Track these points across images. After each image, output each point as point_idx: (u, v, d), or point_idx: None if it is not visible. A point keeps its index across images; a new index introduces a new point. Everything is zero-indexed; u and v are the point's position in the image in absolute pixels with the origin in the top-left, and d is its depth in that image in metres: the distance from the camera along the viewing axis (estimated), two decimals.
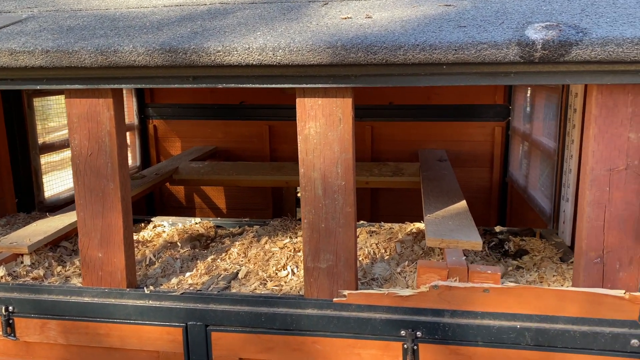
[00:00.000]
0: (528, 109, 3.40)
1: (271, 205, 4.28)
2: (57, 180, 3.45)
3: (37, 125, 3.16)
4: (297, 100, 1.68)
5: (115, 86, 1.74)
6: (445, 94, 3.97)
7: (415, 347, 1.73)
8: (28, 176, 3.11)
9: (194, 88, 1.70)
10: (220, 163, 3.76)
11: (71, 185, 3.52)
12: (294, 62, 1.52)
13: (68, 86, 1.76)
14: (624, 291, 1.62)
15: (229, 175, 3.44)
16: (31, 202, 3.11)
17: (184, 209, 4.42)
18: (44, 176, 3.20)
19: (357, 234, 2.45)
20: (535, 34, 1.42)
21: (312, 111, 1.68)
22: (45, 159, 3.30)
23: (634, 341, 1.62)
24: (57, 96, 3.40)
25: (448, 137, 4.02)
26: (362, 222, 2.75)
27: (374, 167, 3.48)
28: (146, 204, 4.31)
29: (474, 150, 4.00)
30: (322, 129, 1.69)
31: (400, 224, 2.63)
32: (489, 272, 1.70)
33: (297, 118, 1.70)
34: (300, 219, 2.83)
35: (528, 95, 3.53)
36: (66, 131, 3.55)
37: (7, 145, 2.99)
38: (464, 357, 1.72)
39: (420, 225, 2.57)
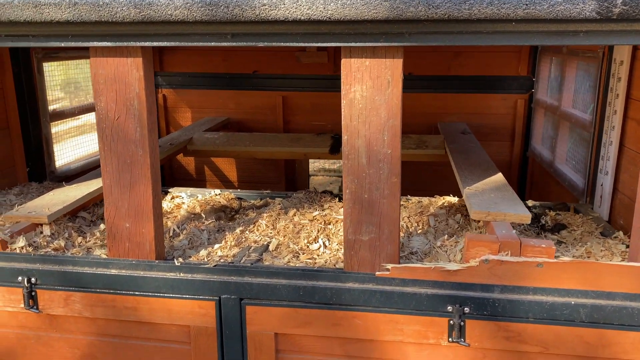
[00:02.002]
0: (556, 80, 3.28)
1: (284, 178, 4.18)
2: (67, 150, 3.33)
3: (47, 92, 3.02)
4: (343, 61, 1.57)
5: (147, 44, 1.61)
6: (467, 65, 3.84)
7: (462, 324, 1.66)
8: (39, 144, 2.99)
9: (232, 47, 1.57)
10: (236, 134, 3.64)
11: (82, 154, 3.42)
12: (346, 16, 1.40)
13: (95, 43, 1.63)
14: None
15: (245, 146, 3.33)
16: (42, 172, 3.00)
17: (195, 182, 4.32)
18: (54, 145, 3.08)
19: None
20: None
21: (359, 73, 1.57)
22: (54, 129, 3.18)
23: None
24: (66, 61, 3.26)
25: (468, 110, 3.90)
26: None
27: None
28: None
29: (495, 124, 3.89)
30: (369, 92, 1.58)
31: (429, 197, 2.54)
32: (543, 245, 1.61)
33: (341, 80, 1.59)
34: (322, 192, 2.74)
35: (553, 66, 3.41)
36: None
37: (18, 111, 2.86)
38: (513, 333, 1.65)
39: (451, 199, 2.48)
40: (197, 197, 2.68)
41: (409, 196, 2.62)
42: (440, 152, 3.14)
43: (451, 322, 1.67)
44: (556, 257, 1.63)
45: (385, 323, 1.71)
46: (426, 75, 3.88)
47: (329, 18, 1.42)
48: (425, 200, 2.52)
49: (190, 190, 2.79)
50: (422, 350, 1.72)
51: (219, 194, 2.71)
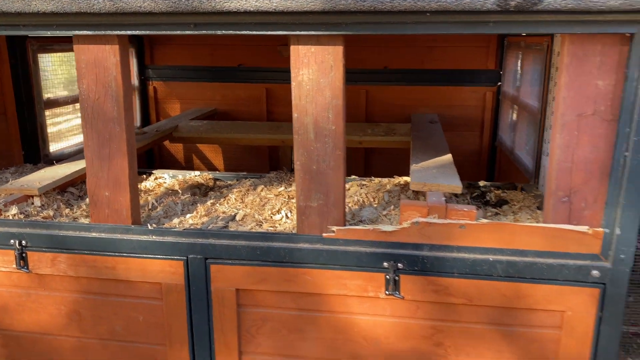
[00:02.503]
0: (517, 72, 3.51)
1: (268, 165, 4.42)
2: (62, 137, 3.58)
3: (41, 81, 3.26)
4: (292, 48, 1.80)
5: (122, 32, 1.85)
6: (439, 59, 4.07)
7: (396, 278, 1.89)
8: (34, 130, 3.23)
9: (197, 36, 1.81)
10: (219, 122, 3.88)
11: (75, 142, 3.66)
12: (288, 8, 1.64)
13: (77, 32, 1.87)
14: (587, 227, 1.78)
15: (227, 133, 3.57)
16: (37, 155, 3.24)
17: (183, 168, 4.56)
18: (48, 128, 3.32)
19: (349, 186, 2.61)
20: None
21: (305, 58, 1.80)
22: (50, 120, 3.42)
23: (594, 272, 1.78)
24: (59, 54, 3.51)
25: (441, 102, 4.14)
26: (353, 176, 2.89)
27: (367, 127, 3.61)
28: (147, 162, 4.44)
29: (465, 115, 4.12)
30: (315, 75, 1.81)
31: (389, 178, 2.78)
32: (465, 209, 1.85)
33: (290, 65, 1.82)
34: (291, 171, 2.98)
35: (515, 60, 3.64)
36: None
37: (14, 99, 3.10)
38: (441, 287, 1.88)
39: (408, 178, 2.71)
40: (178, 177, 2.92)
41: (372, 177, 2.86)
42: (407, 139, 3.37)
43: (387, 276, 1.90)
44: (478, 220, 1.86)
45: (331, 278, 1.95)
46: (401, 68, 4.11)
47: (275, 9, 1.66)
48: (385, 180, 2.75)
49: (172, 172, 3.03)
50: (363, 303, 1.96)
51: (198, 175, 2.95)
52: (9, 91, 3.07)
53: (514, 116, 3.52)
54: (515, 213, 2.26)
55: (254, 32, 1.77)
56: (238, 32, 1.78)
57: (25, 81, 3.15)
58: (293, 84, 1.84)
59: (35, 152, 3.24)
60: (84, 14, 1.78)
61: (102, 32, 1.86)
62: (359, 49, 4.08)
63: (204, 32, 1.79)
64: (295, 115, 1.87)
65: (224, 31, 1.78)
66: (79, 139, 3.73)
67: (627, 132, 1.67)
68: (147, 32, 1.83)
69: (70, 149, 3.53)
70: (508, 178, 3.73)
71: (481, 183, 2.80)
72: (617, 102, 1.67)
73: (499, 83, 3.99)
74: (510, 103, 3.67)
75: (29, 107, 3.17)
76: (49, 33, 1.89)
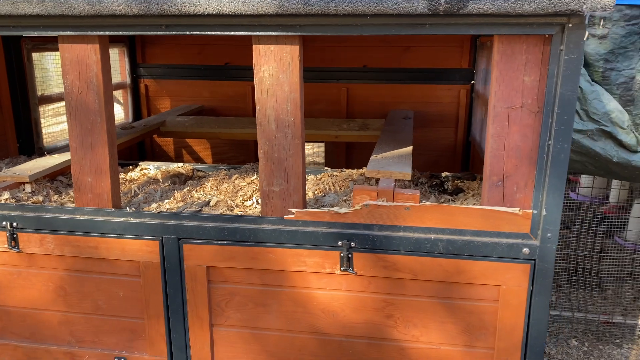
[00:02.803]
0: (485, 71, 3.70)
1: (253, 158, 4.61)
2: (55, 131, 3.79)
3: (35, 78, 3.47)
4: (253, 47, 2.00)
5: (101, 33, 2.05)
6: (416, 58, 4.27)
7: (350, 255, 2.09)
8: (28, 125, 3.44)
9: (166, 35, 2.01)
10: (204, 118, 4.08)
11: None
12: (246, 11, 1.84)
13: (61, 32, 2.08)
14: (519, 209, 1.97)
15: (211, 128, 3.77)
16: (32, 148, 3.45)
17: (173, 161, 4.76)
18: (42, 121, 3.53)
19: (321, 176, 2.81)
20: None
21: (266, 57, 2.00)
22: (45, 121, 3.63)
23: (525, 249, 1.98)
24: (54, 53, 3.71)
25: (417, 99, 4.33)
26: (326, 168, 3.09)
27: (343, 122, 3.81)
28: (138, 155, 4.65)
29: (441, 112, 4.32)
30: (275, 72, 2.01)
31: (357, 169, 2.98)
32: (410, 193, 2.05)
33: (253, 63, 2.02)
34: None
35: (484, 59, 3.83)
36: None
37: (10, 95, 3.31)
38: (389, 263, 2.08)
39: None
40: (162, 168, 3.13)
41: (344, 168, 3.06)
42: (379, 134, 3.56)
43: (342, 254, 2.10)
44: (422, 202, 2.06)
45: (292, 256, 2.15)
46: (379, 67, 4.31)
47: (234, 12, 1.86)
48: (354, 171, 2.95)
49: (157, 163, 3.24)
50: (321, 278, 2.16)
51: (180, 166, 3.15)
52: (4, 87, 3.28)
53: (482, 113, 3.71)
54: (466, 199, 2.45)
55: (219, 33, 1.97)
56: (205, 33, 1.98)
57: (20, 78, 3.36)
58: (255, 79, 2.04)
59: (30, 145, 3.45)
60: (66, 16, 1.99)
61: (84, 33, 2.06)
62: (340, 49, 4.28)
63: (174, 32, 1.99)
64: (257, 107, 2.07)
65: (192, 32, 1.98)
66: None
67: (550, 123, 1.86)
68: (124, 33, 2.03)
69: (64, 142, 3.73)
70: (480, 171, 3.92)
71: (443, 174, 3.00)
72: (542, 96, 1.87)
73: (472, 81, 4.18)
74: (480, 100, 3.86)
75: (24, 102, 3.38)
76: (35, 33, 2.09)
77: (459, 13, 1.73)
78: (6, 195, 2.43)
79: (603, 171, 3.43)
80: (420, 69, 4.25)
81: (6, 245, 2.35)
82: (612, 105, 3.21)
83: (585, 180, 5.89)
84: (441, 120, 4.33)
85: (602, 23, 3.22)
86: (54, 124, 3.85)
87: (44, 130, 3.57)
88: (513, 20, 1.77)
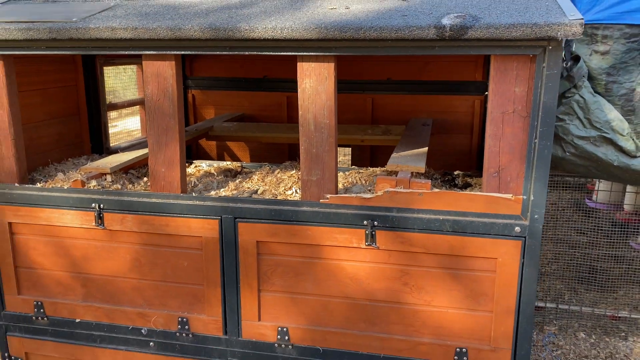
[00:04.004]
0: None
1: (287, 158, 5.12)
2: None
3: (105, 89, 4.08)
4: (298, 64, 2.51)
5: (177, 52, 2.60)
6: (435, 72, 4.73)
7: (373, 233, 2.57)
8: (99, 128, 4.04)
9: (230, 54, 2.54)
10: (247, 124, 4.62)
11: (128, 139, 4.45)
12: (294, 37, 2.35)
13: (145, 52, 2.63)
14: (511, 195, 2.42)
15: (253, 132, 4.31)
16: (101, 147, 4.04)
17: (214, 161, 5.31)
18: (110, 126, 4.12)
19: (349, 173, 3.30)
20: (447, 20, 2.22)
21: (308, 72, 2.51)
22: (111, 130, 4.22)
23: (517, 228, 2.43)
24: (124, 66, 4.31)
25: (436, 108, 4.79)
26: (354, 166, 3.58)
27: (368, 128, 4.30)
28: (187, 156, 5.21)
29: (457, 120, 4.77)
30: (314, 84, 2.52)
31: (380, 167, 3.46)
32: (423, 182, 2.52)
33: (297, 76, 2.53)
34: None
35: None
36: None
37: (85, 103, 3.91)
38: (405, 239, 2.55)
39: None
40: (213, 165, 3.67)
41: (369, 167, 3.55)
42: (400, 138, 4.04)
43: (366, 232, 2.58)
44: (432, 190, 2.53)
45: (326, 233, 2.64)
46: (402, 80, 4.79)
47: (285, 37, 2.37)
48: (377, 169, 3.44)
49: (208, 162, 3.79)
50: (349, 252, 2.64)
51: (229, 163, 3.68)
52: (82, 96, 3.88)
53: None
54: (472, 191, 2.91)
55: (272, 53, 2.49)
56: (260, 53, 2.50)
57: (94, 88, 3.96)
58: (299, 90, 2.55)
59: (100, 145, 4.05)
60: (152, 39, 2.54)
61: (164, 52, 2.61)
62: (367, 64, 4.79)
63: (236, 52, 2.52)
64: (300, 112, 2.58)
65: (250, 52, 2.51)
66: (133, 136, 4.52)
67: (536, 125, 2.32)
68: (195, 52, 2.57)
69: (125, 144, 4.32)
70: None
71: (455, 172, 3.45)
72: (530, 103, 2.33)
73: (486, 93, 4.62)
74: None
75: (97, 109, 3.97)
76: (126, 53, 2.65)
77: (461, 38, 2.21)
78: (93, 182, 2.99)
79: (605, 174, 3.82)
80: (438, 81, 4.72)
81: (94, 223, 2.91)
82: (613, 114, 3.62)
83: (602, 186, 6.19)
84: (457, 127, 4.78)
85: (603, 40, 3.66)
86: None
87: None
88: (505, 44, 2.24)
